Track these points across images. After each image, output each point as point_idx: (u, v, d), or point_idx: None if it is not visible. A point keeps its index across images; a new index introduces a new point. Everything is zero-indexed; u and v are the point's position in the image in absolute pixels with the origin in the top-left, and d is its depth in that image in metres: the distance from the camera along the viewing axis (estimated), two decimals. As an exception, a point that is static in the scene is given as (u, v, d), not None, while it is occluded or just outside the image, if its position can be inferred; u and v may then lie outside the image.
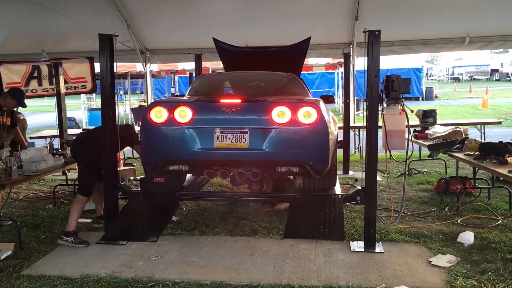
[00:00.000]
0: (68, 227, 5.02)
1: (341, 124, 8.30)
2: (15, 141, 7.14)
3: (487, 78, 43.24)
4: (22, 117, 7.52)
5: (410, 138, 4.89)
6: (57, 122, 8.43)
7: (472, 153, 5.73)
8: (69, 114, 12.88)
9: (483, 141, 6.97)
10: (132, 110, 16.10)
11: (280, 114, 4.68)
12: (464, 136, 6.38)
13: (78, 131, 10.54)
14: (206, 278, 4.03)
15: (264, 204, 5.96)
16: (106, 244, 4.90)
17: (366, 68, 4.54)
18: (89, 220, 5.77)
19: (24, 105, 6.52)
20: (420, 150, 8.54)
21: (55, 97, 8.54)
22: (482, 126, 9.86)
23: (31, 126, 9.86)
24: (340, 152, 7.83)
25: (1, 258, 4.55)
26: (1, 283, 4.03)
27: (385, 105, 4.84)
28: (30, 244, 4.95)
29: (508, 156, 5.16)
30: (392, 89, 4.75)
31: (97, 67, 9.49)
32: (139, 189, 5.47)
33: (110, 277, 4.06)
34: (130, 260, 4.48)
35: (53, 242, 5.03)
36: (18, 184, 6.14)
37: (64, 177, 8.06)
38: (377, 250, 4.61)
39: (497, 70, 42.87)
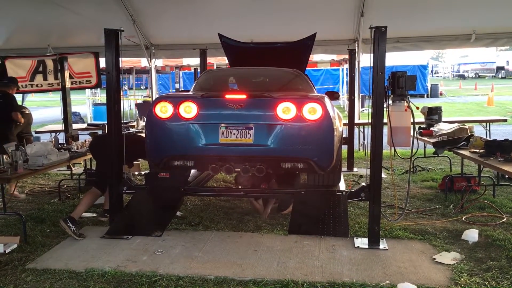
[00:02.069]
0: (75, 213, 5.09)
1: (346, 121, 8.29)
2: (21, 135, 7.18)
3: (492, 76, 43.04)
4: (27, 112, 7.56)
5: (415, 135, 4.87)
6: (62, 117, 8.46)
7: (477, 150, 5.70)
8: (74, 109, 12.92)
9: (488, 138, 6.94)
10: (137, 105, 16.14)
11: (285, 110, 4.67)
12: (469, 134, 6.36)
13: (83, 126, 10.59)
14: (210, 273, 4.04)
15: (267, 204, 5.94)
16: (110, 238, 4.92)
17: (371, 65, 4.53)
18: (94, 215, 5.79)
19: None
20: (425, 147, 8.51)
21: (60, 91, 8.56)
22: (488, 123, 9.82)
23: (36, 121, 9.91)
24: (344, 148, 7.82)
25: (7, 252, 4.59)
26: (6, 276, 4.06)
27: (390, 101, 4.82)
28: (35, 238, 4.98)
29: (514, 154, 5.14)
30: (398, 85, 4.74)
31: (102, 62, 9.52)
32: (144, 184, 5.49)
33: (114, 271, 4.08)
34: (134, 254, 4.49)
35: (58, 236, 5.07)
36: (23, 178, 6.15)
37: (69, 172, 8.09)
38: (381, 247, 4.61)
39: (502, 68, 42.68)
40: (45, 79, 9.88)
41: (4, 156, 5.29)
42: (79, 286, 3.84)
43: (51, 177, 8.27)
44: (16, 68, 9.70)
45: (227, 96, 4.84)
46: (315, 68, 21.87)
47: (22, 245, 4.76)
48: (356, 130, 9.52)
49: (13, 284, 3.91)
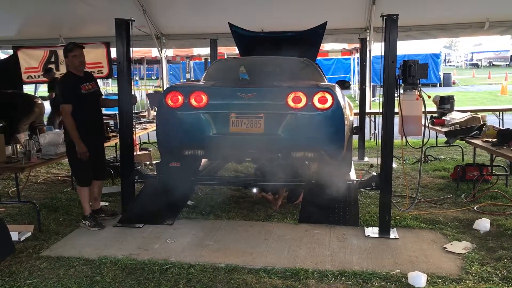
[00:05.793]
0: (84, 211, 5.13)
1: (357, 110, 8.25)
2: (34, 125, 7.27)
3: (506, 64, 42.39)
4: (39, 102, 7.63)
5: (426, 124, 4.84)
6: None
7: (489, 139, 5.66)
8: (85, 99, 13.02)
9: (501, 127, 6.87)
10: (148, 95, 16.20)
11: (296, 100, 4.66)
12: (482, 123, 6.30)
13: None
14: (221, 261, 4.08)
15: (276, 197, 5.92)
16: (123, 227, 4.99)
17: (383, 54, 4.50)
18: (107, 203, 5.85)
19: None
20: (436, 136, 8.45)
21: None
22: (501, 112, 9.72)
23: (49, 111, 9.98)
24: (355, 138, 7.79)
25: (21, 240, 4.67)
26: (21, 264, 4.13)
27: (401, 90, 4.79)
28: (49, 226, 5.06)
29: (527, 143, 5.09)
30: (409, 74, 4.70)
31: (113, 52, 9.55)
32: (155, 173, 5.53)
33: (127, 259, 4.14)
34: (146, 242, 4.55)
35: (72, 224, 5.14)
36: (37, 167, 6.24)
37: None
38: (391, 236, 4.61)
39: (517, 56, 42.02)
40: (57, 69, 9.96)
41: (18, 146, 5.37)
42: (92, 274, 3.90)
43: (63, 166, 8.34)
44: (29, 59, 9.80)
45: (238, 86, 4.84)
46: (326, 57, 21.72)
47: (36, 233, 4.85)
48: (367, 119, 9.48)
49: (28, 271, 3.99)
